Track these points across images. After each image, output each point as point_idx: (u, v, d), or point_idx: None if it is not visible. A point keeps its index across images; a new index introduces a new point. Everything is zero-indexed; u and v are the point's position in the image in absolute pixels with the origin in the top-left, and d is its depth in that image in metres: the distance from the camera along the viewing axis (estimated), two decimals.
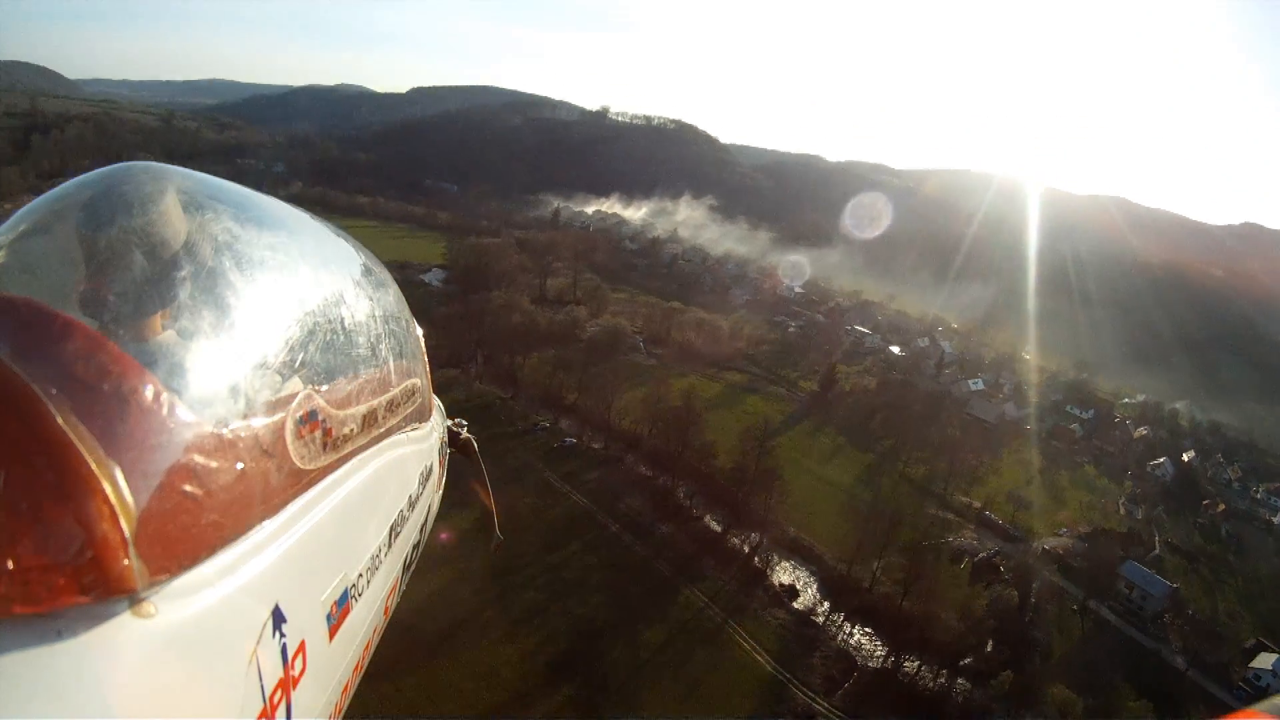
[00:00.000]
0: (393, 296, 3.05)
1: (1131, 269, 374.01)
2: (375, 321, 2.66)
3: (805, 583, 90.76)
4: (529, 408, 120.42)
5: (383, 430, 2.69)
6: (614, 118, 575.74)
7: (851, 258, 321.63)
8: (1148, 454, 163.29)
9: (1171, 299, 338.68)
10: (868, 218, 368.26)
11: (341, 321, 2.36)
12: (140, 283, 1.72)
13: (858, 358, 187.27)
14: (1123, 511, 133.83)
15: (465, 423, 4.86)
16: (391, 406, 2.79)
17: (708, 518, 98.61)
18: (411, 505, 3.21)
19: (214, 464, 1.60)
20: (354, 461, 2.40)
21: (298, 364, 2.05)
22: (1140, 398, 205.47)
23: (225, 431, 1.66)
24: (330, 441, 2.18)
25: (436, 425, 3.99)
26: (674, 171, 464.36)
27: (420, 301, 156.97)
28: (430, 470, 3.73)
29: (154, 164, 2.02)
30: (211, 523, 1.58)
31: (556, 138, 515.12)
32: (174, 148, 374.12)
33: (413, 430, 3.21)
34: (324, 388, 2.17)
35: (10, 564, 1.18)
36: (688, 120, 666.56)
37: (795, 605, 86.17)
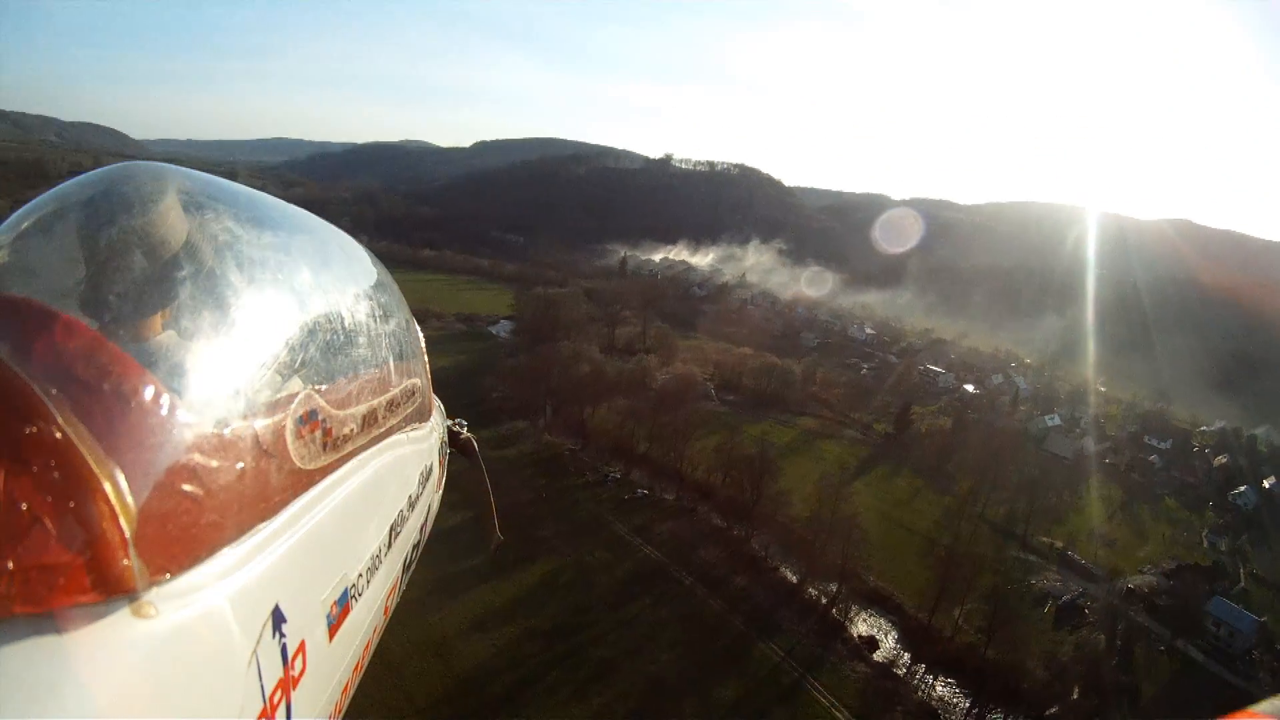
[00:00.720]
0: (393, 297, 3.03)
1: (1201, 292, 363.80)
2: (375, 321, 2.68)
3: (885, 633, 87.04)
4: (599, 458, 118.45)
5: (383, 430, 2.71)
6: (677, 165, 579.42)
7: (921, 296, 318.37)
8: (1228, 483, 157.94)
9: (1243, 321, 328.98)
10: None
11: (341, 321, 2.38)
12: (140, 283, 1.72)
13: (932, 398, 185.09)
14: (1205, 544, 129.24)
15: (465, 422, 4.76)
16: (391, 406, 2.80)
17: (783, 568, 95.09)
18: (411, 505, 3.18)
19: (214, 464, 1.61)
20: (354, 462, 2.41)
21: (298, 364, 2.05)
22: (1218, 425, 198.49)
23: (225, 431, 1.67)
24: (330, 441, 2.19)
25: (436, 425, 3.83)
26: (739, 216, 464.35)
27: (488, 354, 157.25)
28: (430, 470, 3.56)
29: (154, 163, 2.02)
30: (211, 523, 1.58)
31: (621, 187, 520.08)
32: None
33: (413, 430, 3.18)
34: (324, 388, 2.18)
35: (10, 564, 1.19)
36: (750, 164, 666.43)
37: (875, 657, 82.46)
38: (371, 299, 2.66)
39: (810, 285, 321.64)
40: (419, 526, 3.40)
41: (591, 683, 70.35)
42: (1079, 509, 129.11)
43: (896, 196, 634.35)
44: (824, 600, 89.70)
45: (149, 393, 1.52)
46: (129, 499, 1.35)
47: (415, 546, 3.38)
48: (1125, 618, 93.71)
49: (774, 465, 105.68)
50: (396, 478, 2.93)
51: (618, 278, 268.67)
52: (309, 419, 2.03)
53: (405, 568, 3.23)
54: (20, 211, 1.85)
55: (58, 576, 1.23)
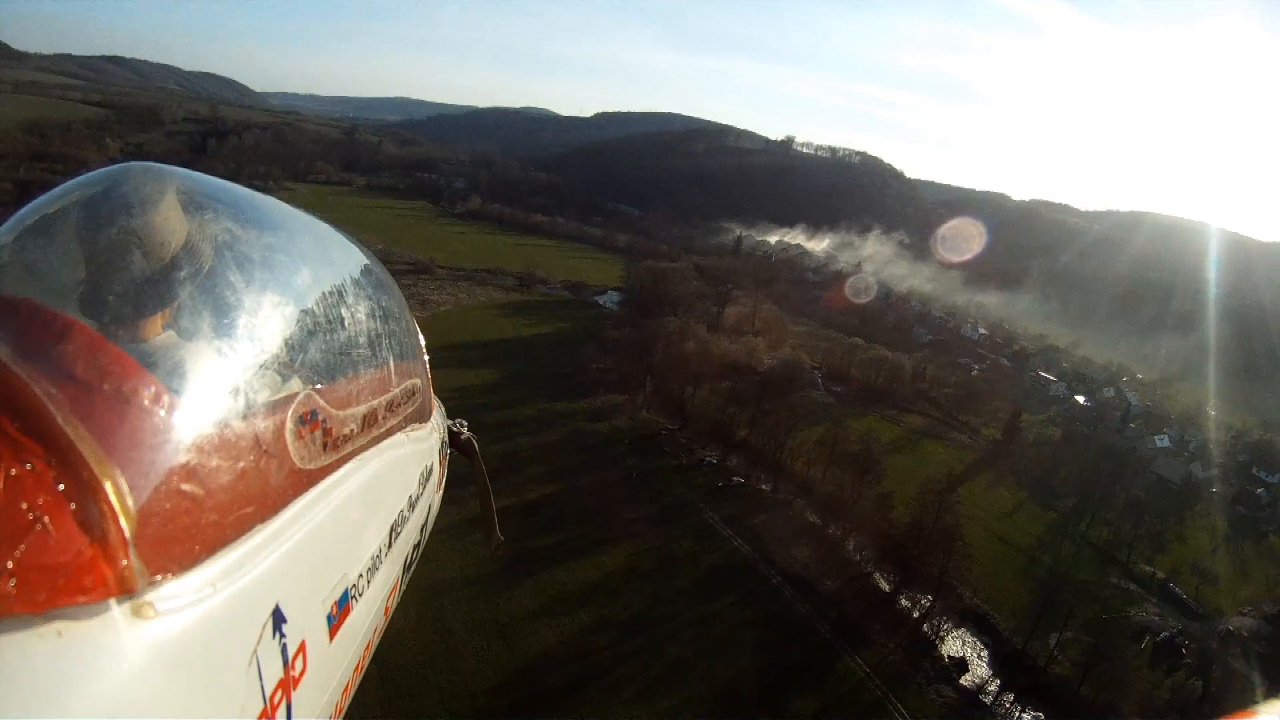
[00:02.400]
0: (393, 296, 3.05)
1: None
2: (375, 321, 2.70)
3: (976, 655, 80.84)
4: (696, 441, 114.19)
5: (383, 430, 2.74)
6: (798, 148, 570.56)
7: (1035, 300, 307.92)
8: None
9: None
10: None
11: (341, 321, 2.40)
12: (140, 283, 1.74)
13: (1041, 406, 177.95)
14: None
15: (465, 422, 4.61)
16: (391, 406, 2.83)
17: (877, 575, 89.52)
18: (412, 505, 3.18)
19: (214, 464, 1.61)
20: (354, 462, 2.42)
21: (298, 364, 2.07)
22: None
23: (225, 432, 1.68)
24: (330, 441, 2.21)
25: (437, 425, 3.87)
26: (857, 204, 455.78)
27: (592, 323, 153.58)
28: (430, 470, 3.58)
29: (154, 164, 2.02)
30: (211, 523, 1.58)
31: (739, 166, 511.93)
32: (354, 159, 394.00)
33: (413, 430, 3.19)
34: (324, 388, 2.19)
35: (10, 564, 1.18)
36: (873, 153, 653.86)
37: (963, 681, 76.51)
38: (371, 299, 2.69)
39: (925, 280, 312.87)
40: (419, 527, 3.37)
41: (660, 683, 65.53)
42: (1183, 538, 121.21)
43: (1016, 196, 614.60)
44: (916, 614, 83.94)
45: (149, 393, 1.52)
46: (129, 499, 1.36)
47: (416, 547, 3.35)
48: (1222, 662, 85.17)
49: (879, 465, 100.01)
50: (397, 478, 2.95)
51: (731, 256, 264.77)
52: (309, 419, 2.05)
53: (406, 568, 3.22)
54: (20, 212, 1.85)
55: (58, 576, 1.23)
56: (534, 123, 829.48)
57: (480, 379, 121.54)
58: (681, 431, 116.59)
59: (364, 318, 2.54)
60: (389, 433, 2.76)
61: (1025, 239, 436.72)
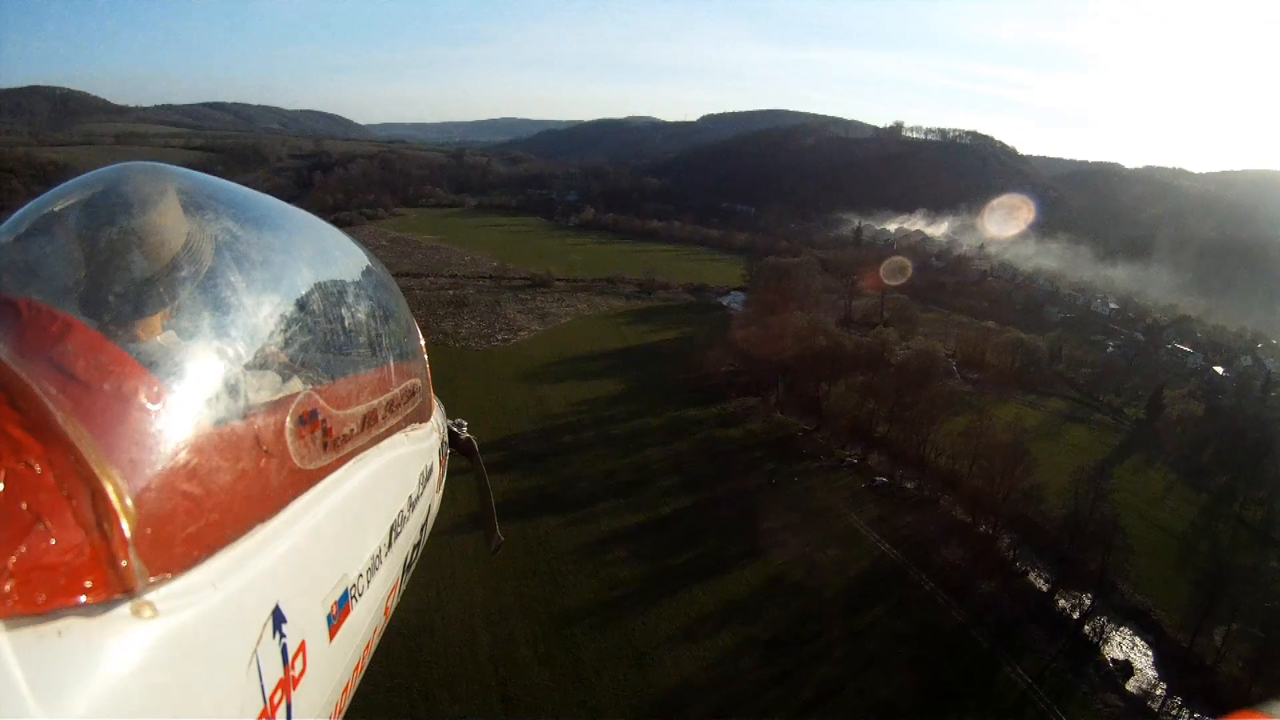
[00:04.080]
0: (393, 296, 3.09)
1: None
2: (375, 321, 2.74)
3: (1141, 657, 74.21)
4: (834, 441, 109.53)
5: (383, 430, 2.76)
6: (907, 134, 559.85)
7: (1162, 270, 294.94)
8: None
9: None
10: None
11: (341, 321, 2.44)
12: (140, 283, 1.76)
13: (1180, 380, 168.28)
14: None
15: (465, 422, 4.61)
16: (391, 406, 2.85)
17: (1031, 573, 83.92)
18: (412, 505, 3.20)
19: (214, 464, 1.63)
20: (354, 462, 2.44)
21: (298, 364, 2.09)
22: None
23: (225, 431, 1.69)
24: (330, 441, 2.22)
25: (437, 425, 3.86)
26: (973, 186, 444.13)
27: (718, 326, 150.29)
28: (430, 470, 3.61)
29: (154, 164, 2.04)
30: (211, 523, 1.60)
31: (850, 156, 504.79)
32: (463, 180, 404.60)
33: (413, 430, 3.22)
34: (324, 387, 2.21)
35: (10, 564, 1.19)
36: (983, 131, 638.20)
37: (1129, 687, 70.20)
38: (372, 299, 2.73)
39: (1050, 257, 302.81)
40: (419, 527, 3.39)
41: (812, 708, 60.98)
42: None
43: (1129, 165, 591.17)
44: (1076, 614, 78.01)
45: (149, 393, 1.54)
46: (129, 499, 1.37)
47: (416, 547, 3.37)
48: None
49: (1028, 455, 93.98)
50: (396, 478, 2.96)
51: (852, 247, 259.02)
52: (309, 419, 2.06)
53: (405, 568, 3.23)
54: (20, 211, 1.88)
55: (58, 576, 1.24)
56: (640, 131, 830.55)
57: (605, 390, 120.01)
58: (819, 431, 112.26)
59: (364, 318, 2.59)
60: (389, 433, 2.80)
61: (1144, 207, 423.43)
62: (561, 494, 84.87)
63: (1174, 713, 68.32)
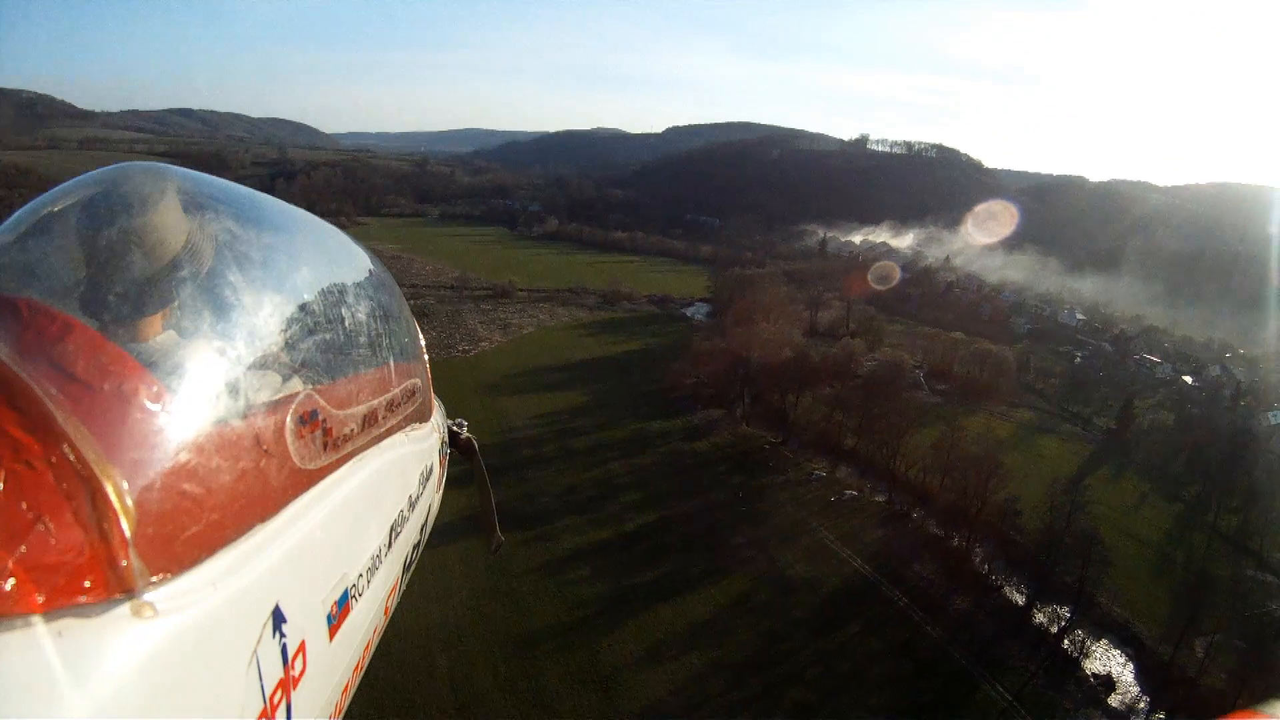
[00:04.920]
0: (393, 296, 3.09)
1: None
2: (375, 321, 2.73)
3: (1121, 670, 72.90)
4: (802, 454, 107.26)
5: (383, 430, 2.76)
6: (873, 146, 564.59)
7: (1127, 282, 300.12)
8: None
9: None
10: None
11: (342, 321, 2.43)
12: (140, 283, 1.75)
13: (1149, 390, 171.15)
14: None
15: (465, 422, 4.65)
16: (391, 406, 2.86)
17: (1007, 587, 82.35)
18: (412, 505, 3.21)
19: (214, 464, 1.63)
20: (354, 461, 2.44)
21: (298, 364, 2.10)
22: None
23: (225, 431, 1.70)
24: (330, 441, 2.23)
25: (437, 425, 3.89)
26: (939, 198, 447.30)
27: (682, 337, 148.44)
28: (430, 470, 3.64)
29: (154, 164, 2.04)
30: (211, 523, 1.60)
31: (815, 169, 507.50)
32: (427, 190, 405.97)
33: (413, 430, 3.22)
34: (324, 387, 2.21)
35: (10, 564, 1.20)
36: (949, 144, 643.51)
37: (1112, 702, 68.62)
38: (372, 299, 2.73)
39: (1016, 269, 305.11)
40: (419, 527, 3.42)
41: None
42: None
43: (1093, 178, 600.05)
44: (1054, 629, 76.65)
45: (149, 393, 1.54)
46: (129, 499, 1.38)
47: (415, 547, 3.41)
48: None
49: (1000, 467, 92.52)
50: (397, 478, 2.97)
51: (817, 259, 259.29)
52: (309, 419, 2.08)
53: (405, 568, 3.25)
54: (20, 211, 1.87)
55: (58, 576, 1.25)
56: (605, 143, 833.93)
57: (568, 402, 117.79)
58: (786, 444, 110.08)
59: (364, 318, 2.59)
60: (389, 433, 2.79)
61: (1109, 220, 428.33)
62: (521, 510, 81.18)
63: None
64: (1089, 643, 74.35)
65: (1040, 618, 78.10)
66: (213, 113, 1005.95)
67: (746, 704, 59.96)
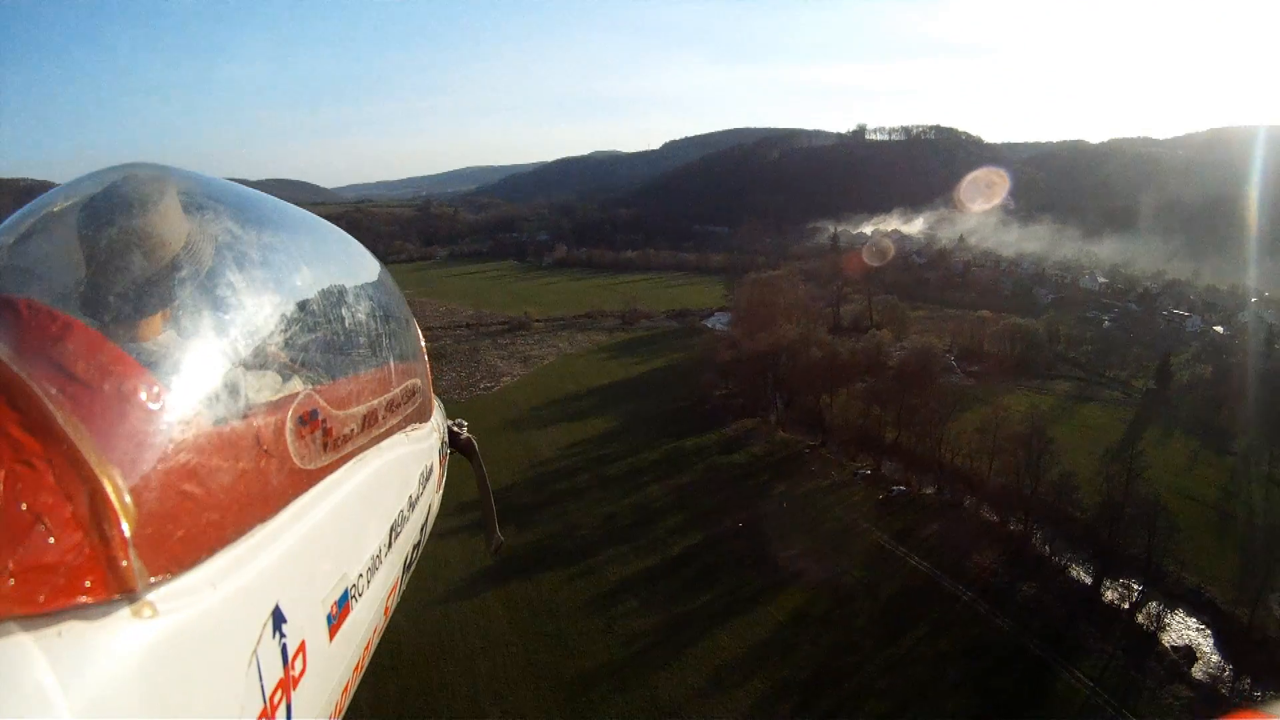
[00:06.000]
0: (393, 296, 3.12)
1: None
2: (375, 321, 2.76)
3: (1199, 640, 69.64)
4: (843, 453, 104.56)
5: (383, 430, 2.77)
6: (871, 136, 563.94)
7: (1143, 239, 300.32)
8: None
9: None
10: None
11: (342, 321, 2.46)
12: (140, 283, 1.77)
13: (1182, 344, 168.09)
14: None
15: (465, 423, 4.68)
16: (391, 406, 2.87)
17: (1073, 567, 79.10)
18: (412, 505, 3.21)
19: (214, 464, 1.64)
20: (354, 462, 2.45)
21: (298, 364, 2.12)
22: None
23: (225, 431, 1.71)
24: (330, 441, 2.24)
25: (437, 425, 3.94)
26: (944, 179, 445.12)
27: (705, 348, 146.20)
28: (430, 470, 3.66)
29: (154, 164, 2.05)
30: (211, 523, 1.61)
31: (816, 165, 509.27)
32: (432, 232, 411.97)
33: (413, 430, 3.24)
34: (324, 387, 2.23)
35: (10, 564, 1.20)
36: (947, 124, 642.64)
37: (1195, 674, 65.57)
38: (372, 299, 2.76)
39: (1031, 240, 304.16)
40: (419, 527, 3.40)
41: None
42: None
43: (1094, 140, 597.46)
44: (1126, 605, 73.60)
45: (149, 393, 1.54)
46: (129, 499, 1.38)
47: (415, 547, 3.38)
48: None
49: (1051, 443, 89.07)
50: (397, 478, 2.97)
51: (831, 254, 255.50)
52: (309, 419, 2.08)
53: (405, 568, 3.23)
54: (20, 211, 1.88)
55: (58, 576, 1.25)
56: (605, 165, 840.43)
57: (597, 429, 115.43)
58: (825, 446, 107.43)
59: (364, 318, 2.61)
60: (389, 433, 2.80)
61: (1116, 179, 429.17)
62: (560, 545, 79.12)
63: (1245, 694, 63.18)
64: (1164, 615, 71.54)
65: (1110, 595, 75.37)
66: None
67: None
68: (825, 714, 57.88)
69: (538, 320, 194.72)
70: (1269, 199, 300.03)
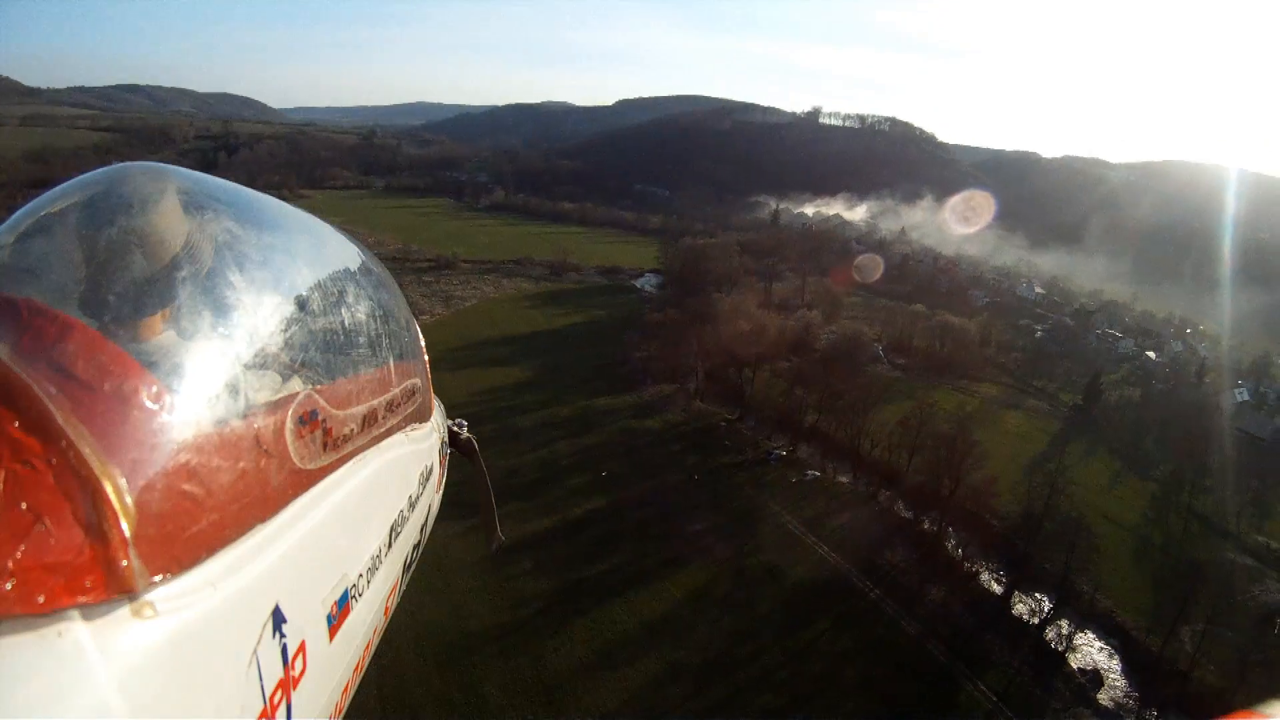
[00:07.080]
0: (393, 296, 3.07)
1: None
2: (375, 321, 2.73)
3: (1107, 663, 69.06)
4: (760, 431, 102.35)
5: (383, 430, 2.75)
6: (825, 120, 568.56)
7: (1085, 256, 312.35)
8: None
9: None
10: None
11: (341, 321, 2.43)
12: (140, 283, 1.75)
13: (1112, 365, 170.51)
14: None
15: (465, 422, 4.45)
16: (391, 406, 2.83)
17: (984, 574, 78.02)
18: (412, 505, 3.17)
19: (214, 464, 1.64)
20: (354, 462, 2.44)
21: (298, 364, 2.09)
22: None
23: (225, 431, 1.71)
24: (330, 441, 2.22)
25: (437, 425, 3.77)
26: (893, 172, 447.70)
27: (631, 309, 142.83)
28: (430, 470, 3.54)
29: (154, 164, 2.04)
30: (211, 523, 1.61)
31: (767, 141, 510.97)
32: (372, 162, 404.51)
33: (413, 430, 3.18)
34: (324, 387, 2.20)
35: (10, 564, 1.21)
36: (902, 118, 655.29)
37: (1100, 698, 64.74)
38: (372, 299, 2.73)
39: (970, 243, 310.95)
40: (419, 527, 3.38)
41: None
42: None
43: (1047, 155, 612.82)
44: (1035, 620, 72.94)
45: (149, 393, 1.55)
46: (129, 499, 1.38)
47: (416, 547, 3.36)
48: None
49: (976, 446, 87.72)
50: (397, 478, 2.95)
51: (770, 229, 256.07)
52: (309, 419, 2.08)
53: (406, 568, 3.21)
54: (20, 211, 1.87)
55: (58, 576, 1.26)
56: (555, 116, 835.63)
57: (511, 377, 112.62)
58: (743, 421, 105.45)
59: (364, 317, 2.57)
60: (389, 433, 2.77)
61: (1064, 195, 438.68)
62: (457, 497, 74.48)
63: None
64: (1074, 635, 70.60)
65: (1021, 608, 74.51)
66: (159, 88, 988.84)
67: (710, 712, 54.99)
68: (717, 703, 55.59)
69: (465, 261, 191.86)
70: (1213, 234, 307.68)
